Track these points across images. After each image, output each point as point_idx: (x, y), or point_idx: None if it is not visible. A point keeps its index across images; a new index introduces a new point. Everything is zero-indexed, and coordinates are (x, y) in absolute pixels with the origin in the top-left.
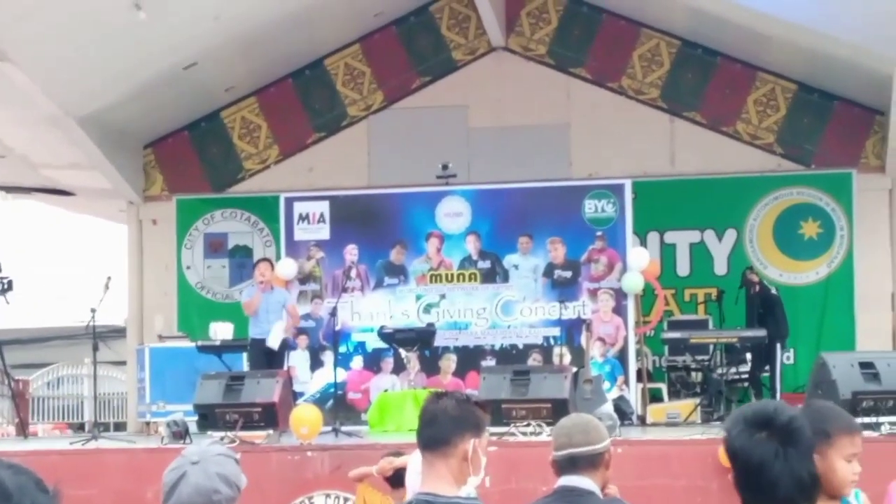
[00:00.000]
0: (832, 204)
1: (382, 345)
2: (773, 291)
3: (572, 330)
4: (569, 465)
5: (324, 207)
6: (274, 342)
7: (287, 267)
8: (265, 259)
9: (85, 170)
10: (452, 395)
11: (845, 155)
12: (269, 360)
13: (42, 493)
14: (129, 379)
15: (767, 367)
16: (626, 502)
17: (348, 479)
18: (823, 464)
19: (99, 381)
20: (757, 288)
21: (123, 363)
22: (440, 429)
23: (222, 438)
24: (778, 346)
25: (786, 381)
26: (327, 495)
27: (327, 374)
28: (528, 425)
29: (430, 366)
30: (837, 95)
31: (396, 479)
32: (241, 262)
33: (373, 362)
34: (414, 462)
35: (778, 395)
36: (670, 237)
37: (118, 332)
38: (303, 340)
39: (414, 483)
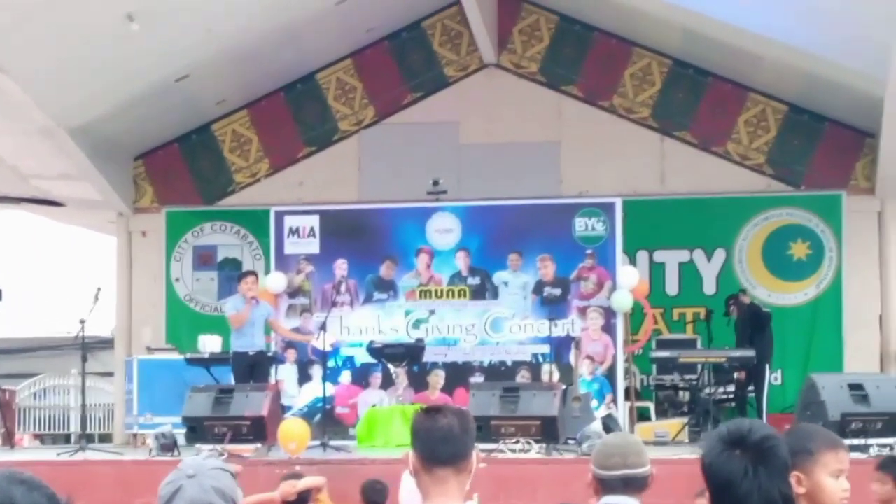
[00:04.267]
0: (821, 225)
1: (371, 360)
2: (766, 310)
3: (561, 348)
4: (621, 485)
5: (314, 221)
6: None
7: (277, 281)
8: (252, 272)
9: (75, 181)
10: (449, 408)
11: (835, 176)
12: (251, 372)
13: None
14: (116, 390)
15: (752, 388)
16: None
17: (337, 494)
18: (810, 483)
19: (85, 392)
20: (742, 311)
21: (109, 374)
22: (459, 444)
23: (210, 451)
24: (766, 366)
25: (773, 402)
26: None
27: (315, 389)
28: (517, 442)
29: (419, 381)
30: (828, 117)
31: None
32: (230, 275)
33: (361, 377)
34: (409, 480)
35: (765, 415)
36: (659, 256)
37: (104, 344)
38: (291, 354)
39: (410, 501)
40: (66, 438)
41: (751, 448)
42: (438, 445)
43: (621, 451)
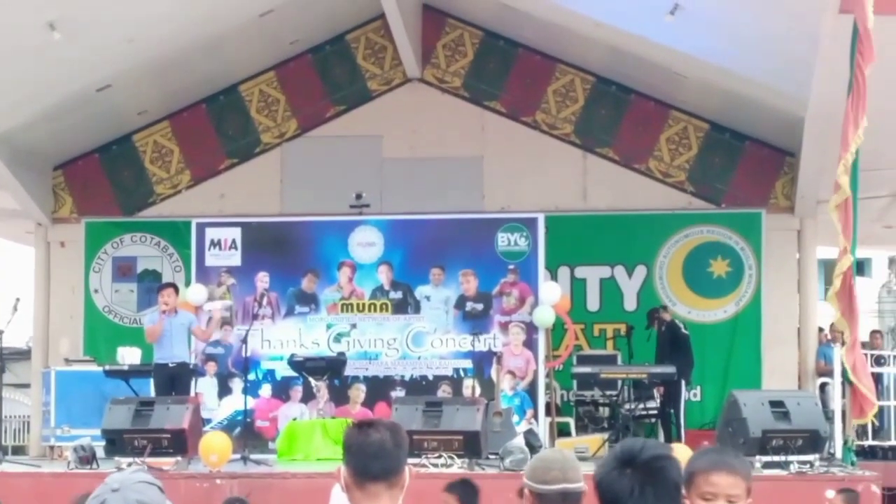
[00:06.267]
0: (741, 243)
1: (292, 373)
2: (684, 330)
3: (483, 362)
4: (560, 499)
5: (236, 234)
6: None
7: (197, 293)
8: (170, 284)
9: None
10: (381, 423)
11: (755, 195)
12: (172, 384)
13: None
14: (33, 402)
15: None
16: None
17: None
18: None
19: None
20: (663, 326)
21: (24, 386)
22: (392, 458)
23: (129, 464)
24: (683, 383)
25: (692, 418)
26: None
27: (235, 402)
28: (440, 457)
29: (340, 395)
30: (748, 136)
31: None
32: (150, 286)
33: (281, 390)
34: (338, 495)
35: (683, 431)
36: (581, 272)
37: (20, 355)
38: (211, 367)
39: None
40: None
41: (640, 467)
42: (371, 460)
43: (560, 465)
